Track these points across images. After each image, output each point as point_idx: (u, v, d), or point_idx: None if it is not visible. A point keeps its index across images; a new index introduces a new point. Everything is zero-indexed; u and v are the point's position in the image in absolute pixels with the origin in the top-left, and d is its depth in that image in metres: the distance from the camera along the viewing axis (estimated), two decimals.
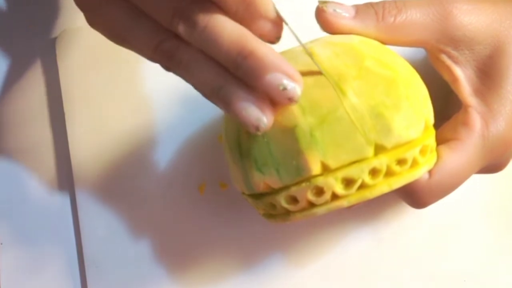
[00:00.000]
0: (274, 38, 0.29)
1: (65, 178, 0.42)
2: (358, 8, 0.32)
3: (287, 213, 0.31)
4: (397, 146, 0.29)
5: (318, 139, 0.28)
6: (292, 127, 0.29)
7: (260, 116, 0.28)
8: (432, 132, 0.32)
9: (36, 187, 0.42)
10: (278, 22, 0.28)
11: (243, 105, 0.28)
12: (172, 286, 0.40)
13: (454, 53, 0.33)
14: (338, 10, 0.32)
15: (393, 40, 0.33)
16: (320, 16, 0.32)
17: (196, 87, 0.29)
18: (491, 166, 0.35)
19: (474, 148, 0.32)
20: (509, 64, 0.33)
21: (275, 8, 0.28)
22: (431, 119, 0.32)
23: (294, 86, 0.27)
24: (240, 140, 0.31)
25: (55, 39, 0.43)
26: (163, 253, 0.41)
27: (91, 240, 0.41)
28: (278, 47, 0.29)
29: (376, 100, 0.29)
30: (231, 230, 0.41)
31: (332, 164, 0.29)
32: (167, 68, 0.30)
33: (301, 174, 0.29)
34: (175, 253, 0.41)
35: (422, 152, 0.31)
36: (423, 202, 0.33)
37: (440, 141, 0.33)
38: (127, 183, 0.41)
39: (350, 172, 0.29)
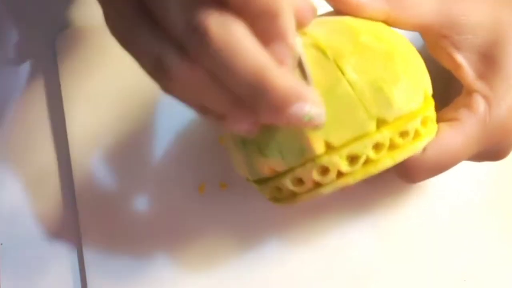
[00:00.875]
0: (285, 66, 0.25)
1: (65, 178, 0.42)
2: None
3: (293, 195, 0.31)
4: (399, 119, 0.29)
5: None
6: None
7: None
8: (432, 103, 0.32)
9: (35, 188, 0.42)
10: (295, 52, 0.26)
11: (246, 127, 0.27)
12: (172, 286, 0.40)
13: (457, 38, 0.33)
14: None
15: (399, 21, 0.33)
16: None
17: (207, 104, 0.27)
18: (491, 153, 0.35)
19: (473, 129, 0.32)
20: None
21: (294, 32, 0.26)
22: (429, 90, 0.32)
23: (319, 114, 0.25)
24: None
25: (55, 39, 0.43)
26: (163, 253, 0.41)
27: (91, 240, 0.41)
28: None
29: (374, 75, 0.29)
30: (231, 230, 0.41)
31: (335, 142, 0.29)
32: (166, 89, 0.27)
33: (305, 155, 0.29)
34: (174, 252, 0.41)
35: (423, 123, 0.31)
36: (415, 176, 0.32)
37: (441, 120, 0.33)
38: (127, 183, 0.41)
39: (354, 148, 0.29)
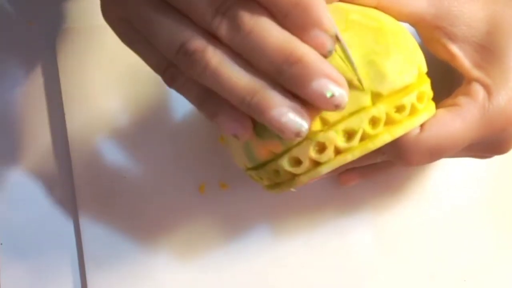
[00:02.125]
0: (326, 52, 0.26)
1: (65, 178, 0.42)
2: None
3: (292, 178, 0.31)
4: (393, 93, 0.30)
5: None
6: None
7: (301, 122, 0.26)
8: (427, 80, 0.32)
9: (36, 187, 0.42)
10: (332, 33, 0.26)
11: (281, 111, 0.26)
12: (172, 285, 0.40)
13: (450, 29, 0.33)
14: None
15: (393, 8, 0.33)
16: None
17: (221, 93, 0.27)
18: (492, 144, 0.34)
19: (472, 115, 0.32)
20: (508, 40, 0.33)
21: (330, 18, 0.26)
22: (423, 67, 0.32)
23: (342, 93, 0.26)
24: None
25: (55, 39, 0.43)
26: (163, 253, 0.41)
27: (91, 240, 0.41)
28: None
29: (366, 49, 0.29)
30: (231, 230, 0.41)
31: (331, 117, 0.29)
32: (174, 80, 0.28)
33: None
34: (175, 252, 0.41)
35: (420, 98, 0.31)
36: (410, 157, 0.32)
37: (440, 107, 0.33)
38: (127, 182, 0.41)
39: (350, 123, 0.29)
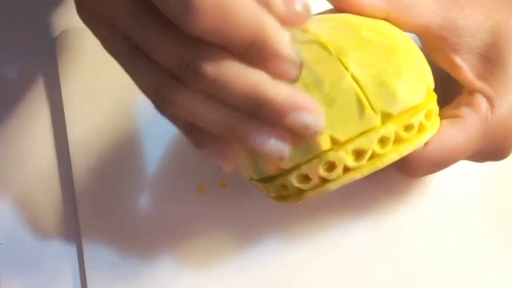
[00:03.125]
0: (291, 80, 0.26)
1: (65, 178, 0.42)
2: None
3: (299, 192, 0.31)
4: (403, 112, 0.30)
5: (325, 115, 0.28)
6: None
7: (282, 147, 0.27)
8: (434, 96, 0.32)
9: (35, 187, 0.42)
10: (296, 59, 0.26)
11: (261, 141, 0.27)
12: (172, 285, 0.40)
13: (455, 40, 0.33)
14: None
15: (400, 20, 0.33)
16: None
17: (204, 128, 0.27)
18: (493, 152, 0.35)
19: (474, 128, 0.32)
20: (511, 50, 0.33)
21: (291, 43, 0.26)
22: (431, 83, 0.32)
23: (317, 122, 0.26)
24: None
25: (55, 39, 0.43)
26: (163, 253, 0.41)
27: (91, 240, 0.41)
28: None
29: (378, 69, 0.29)
30: (231, 230, 0.41)
31: (341, 137, 0.29)
32: (162, 110, 0.29)
33: (311, 152, 0.29)
34: (175, 253, 0.41)
35: (427, 116, 0.31)
36: (415, 171, 0.32)
37: (442, 118, 0.33)
38: (127, 183, 0.41)
39: (359, 143, 0.29)
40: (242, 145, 0.27)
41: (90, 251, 0.41)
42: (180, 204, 0.41)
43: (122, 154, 0.42)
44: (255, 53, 0.25)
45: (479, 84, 0.33)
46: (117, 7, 0.27)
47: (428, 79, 0.32)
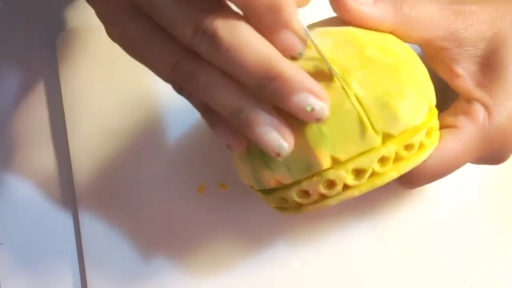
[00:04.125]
0: (297, 54, 0.27)
1: (65, 178, 0.42)
2: None
3: (299, 206, 0.31)
4: (404, 132, 0.30)
5: (326, 135, 0.29)
6: (299, 124, 0.29)
7: (282, 143, 0.27)
8: (435, 112, 0.32)
9: (35, 187, 0.42)
10: (302, 36, 0.27)
11: (263, 130, 0.27)
12: (172, 285, 0.40)
13: (456, 50, 0.33)
14: None
15: (405, 34, 0.32)
16: (340, 0, 0.31)
17: (214, 108, 0.28)
18: (490, 158, 0.35)
19: (472, 138, 0.32)
20: (510, 55, 0.33)
21: (300, 22, 0.27)
22: (433, 100, 0.32)
23: (322, 106, 0.27)
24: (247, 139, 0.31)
25: (55, 39, 0.43)
26: (163, 253, 0.41)
27: (91, 240, 0.41)
28: None
29: (381, 90, 0.29)
30: (231, 230, 0.41)
31: (342, 157, 0.29)
32: (181, 89, 0.29)
33: (312, 170, 0.29)
34: (175, 253, 0.41)
35: (428, 134, 0.31)
36: (413, 182, 0.33)
37: (440, 126, 0.33)
38: (127, 182, 0.41)
39: (360, 162, 0.29)
40: (245, 132, 0.28)
41: (90, 251, 0.41)
42: (180, 204, 0.41)
43: (122, 154, 0.42)
44: (267, 19, 0.26)
45: (478, 93, 0.33)
46: None
47: (430, 97, 0.32)
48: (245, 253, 0.41)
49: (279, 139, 0.27)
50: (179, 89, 0.29)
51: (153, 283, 0.40)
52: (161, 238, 0.41)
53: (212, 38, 0.26)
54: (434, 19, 0.33)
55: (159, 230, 0.41)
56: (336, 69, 0.29)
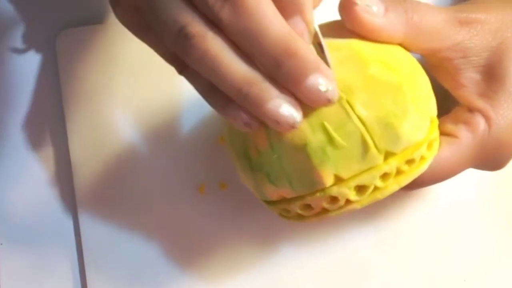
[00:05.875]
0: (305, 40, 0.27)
1: (65, 178, 0.42)
2: (387, 5, 0.31)
3: (301, 217, 0.32)
4: (406, 149, 0.30)
5: (329, 155, 0.29)
6: (303, 145, 0.29)
7: (296, 114, 0.27)
8: (436, 123, 0.33)
9: (36, 187, 0.42)
10: (311, 29, 0.27)
11: (278, 103, 0.26)
12: (172, 285, 0.40)
13: (462, 60, 0.33)
14: (369, 6, 0.30)
15: (414, 45, 0.32)
16: (351, 10, 0.30)
17: (220, 84, 0.27)
18: (487, 166, 0.35)
19: (470, 149, 0.33)
20: None
21: (313, 13, 0.27)
22: (435, 112, 0.32)
23: (333, 88, 0.27)
24: (249, 155, 0.31)
25: (55, 39, 0.43)
26: (163, 253, 0.41)
27: (91, 240, 0.41)
28: None
29: (384, 111, 0.29)
30: (231, 230, 0.41)
31: (344, 175, 0.29)
32: (183, 68, 0.28)
33: (315, 187, 0.30)
34: (175, 253, 0.41)
35: (428, 146, 0.31)
36: (410, 188, 0.33)
37: (440, 132, 0.33)
38: (127, 183, 0.41)
39: (362, 179, 0.30)
40: (256, 108, 0.26)
41: (90, 251, 0.41)
42: (180, 204, 0.41)
43: (122, 154, 0.42)
44: (285, 2, 0.26)
45: (479, 103, 0.33)
46: None
47: (432, 110, 0.32)
48: (246, 253, 0.41)
49: (293, 110, 0.27)
50: (182, 68, 0.28)
51: (153, 282, 0.40)
52: (161, 239, 0.41)
53: (236, 4, 0.25)
54: (441, 30, 0.32)
55: (159, 231, 0.41)
56: (339, 87, 0.28)
